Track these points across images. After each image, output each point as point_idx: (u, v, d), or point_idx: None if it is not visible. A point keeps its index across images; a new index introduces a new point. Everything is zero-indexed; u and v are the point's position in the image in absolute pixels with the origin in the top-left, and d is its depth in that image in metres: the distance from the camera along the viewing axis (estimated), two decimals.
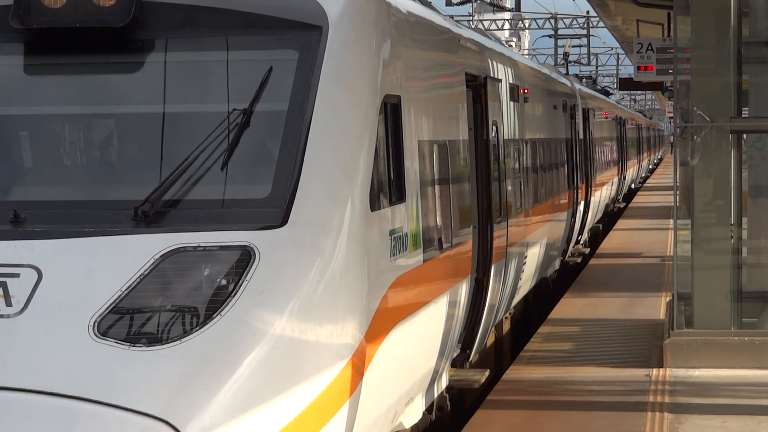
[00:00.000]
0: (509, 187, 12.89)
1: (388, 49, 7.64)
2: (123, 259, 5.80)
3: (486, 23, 43.73)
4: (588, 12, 49.28)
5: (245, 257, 5.81)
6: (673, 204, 13.42)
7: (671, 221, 14.12)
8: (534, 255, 15.04)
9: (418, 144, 8.30)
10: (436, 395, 9.55)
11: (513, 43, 51.46)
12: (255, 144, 6.53)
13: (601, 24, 43.11)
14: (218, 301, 5.63)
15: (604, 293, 17.15)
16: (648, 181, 56.01)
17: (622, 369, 11.55)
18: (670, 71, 15.44)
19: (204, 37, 6.70)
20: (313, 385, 5.75)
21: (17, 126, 6.85)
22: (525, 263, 14.00)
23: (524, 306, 15.10)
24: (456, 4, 33.90)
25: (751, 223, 12.75)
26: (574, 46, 59.84)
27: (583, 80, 34.91)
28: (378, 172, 7.06)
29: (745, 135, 12.41)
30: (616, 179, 33.61)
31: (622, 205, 38.33)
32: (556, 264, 18.50)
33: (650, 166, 60.16)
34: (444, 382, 9.85)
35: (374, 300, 6.71)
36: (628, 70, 44.60)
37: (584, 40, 58.77)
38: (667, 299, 13.72)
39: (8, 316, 5.45)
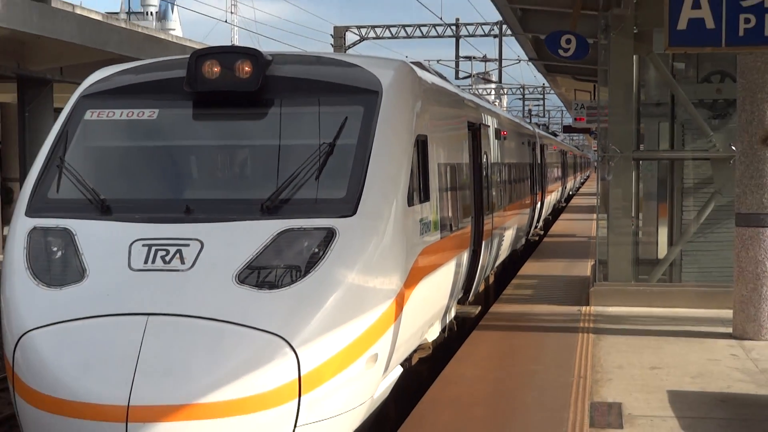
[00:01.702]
0: (494, 193, 15.47)
1: (419, 106, 9.75)
2: (254, 235, 7.74)
3: (480, 90, 52.70)
4: (544, 84, 64.36)
5: (330, 235, 7.73)
6: (596, 204, 17.31)
7: (595, 215, 18.25)
8: (509, 235, 18.05)
9: (438, 165, 10.37)
10: (447, 321, 11.83)
11: (497, 103, 62.70)
12: (336, 164, 8.34)
13: (552, 92, 59.50)
14: (312, 262, 7.55)
15: (553, 259, 20.61)
16: (580, 190, 68.06)
17: (564, 306, 14.07)
18: (595, 121, 18.98)
19: (305, 97, 8.82)
20: (372, 313, 7.75)
21: (188, 152, 9.11)
22: (503, 240, 16.94)
23: (502, 267, 18.43)
24: (461, 78, 46.23)
25: (644, 217, 16.06)
26: (535, 105, 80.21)
27: (540, 126, 43.11)
28: (412, 182, 9.01)
29: (641, 161, 15.39)
30: (560, 188, 40.57)
31: (564, 204, 45.62)
32: (523, 241, 22.49)
33: (582, 181, 75.05)
34: (452, 313, 12.21)
35: (409, 262, 8.66)
36: (568, 120, 56.02)
37: (541, 102, 79.40)
38: (592, 263, 16.93)
39: (182, 270, 7.45)
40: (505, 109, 61.92)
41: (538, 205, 25.94)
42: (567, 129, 52.18)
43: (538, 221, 26.86)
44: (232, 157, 9.09)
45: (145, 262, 7.59)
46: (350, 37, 44.26)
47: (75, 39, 20.74)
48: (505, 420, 8.04)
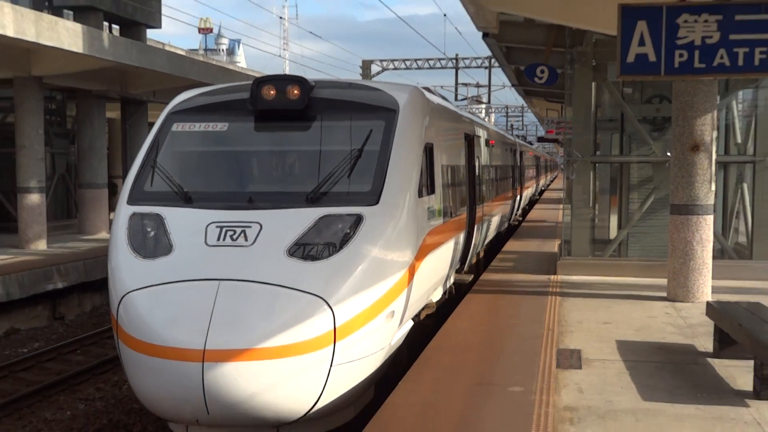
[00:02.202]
0: (484, 188, 15.29)
1: (427, 121, 9.74)
2: (300, 219, 7.81)
3: (473, 109, 53.60)
4: (523, 105, 63.47)
5: (358, 219, 7.80)
6: (562, 196, 16.91)
7: (561, 205, 17.86)
8: (495, 221, 17.84)
9: (441, 166, 10.34)
10: (447, 286, 11.81)
11: (486, 119, 63.16)
12: (363, 165, 8.38)
13: (529, 110, 57.19)
14: (345, 240, 7.61)
15: (529, 239, 20.45)
16: (550, 186, 67.97)
17: (537, 275, 13.93)
18: (562, 133, 19.84)
19: (340, 114, 8.82)
20: (390, 279, 7.79)
21: (250, 156, 9.12)
22: (491, 224, 16.84)
23: (490, 245, 18.29)
24: (459, 100, 46.92)
25: (599, 206, 15.59)
26: (515, 121, 79.77)
27: (519, 137, 44.70)
28: (422, 179, 9.04)
29: (597, 164, 15.17)
30: (535, 185, 40.96)
31: (538, 197, 45.26)
32: (506, 225, 22.19)
33: (551, 179, 75.20)
34: (451, 280, 12.19)
35: (419, 240, 8.70)
36: (541, 132, 57.08)
37: (520, 118, 78.99)
38: (559, 242, 16.77)
39: (246, 246, 7.53)
40: (492, 123, 62.27)
41: (518, 197, 25.84)
42: (540, 139, 51.94)
43: (517, 210, 26.70)
44: (284, 159, 9.10)
45: (218, 239, 7.65)
46: (374, 68, 44.19)
47: (165, 69, 20.78)
48: (492, 362, 8.04)
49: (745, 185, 14.30)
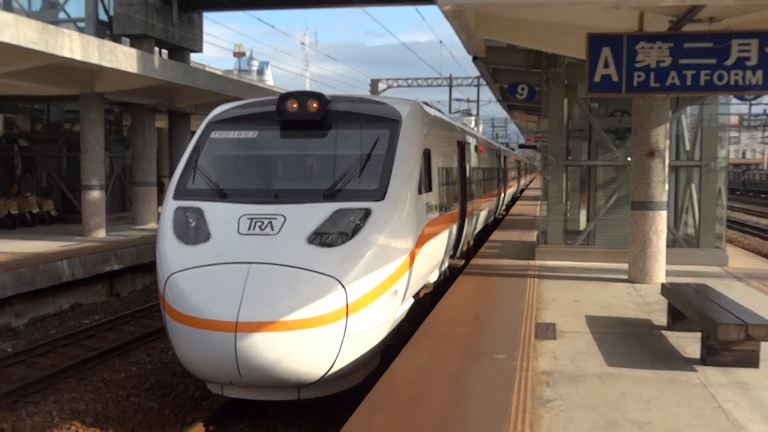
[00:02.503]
0: (474, 187, 15.09)
1: (426, 130, 9.64)
2: (318, 212, 7.76)
3: (465, 120, 53.27)
4: (506, 117, 63.04)
5: (367, 213, 7.76)
6: (540, 194, 16.82)
7: (539, 201, 17.55)
8: (483, 215, 17.70)
9: (438, 169, 10.22)
10: (442, 269, 11.66)
11: (475, 129, 63.33)
12: (372, 167, 8.31)
13: (512, 122, 56.44)
14: (356, 230, 7.57)
15: (512, 230, 20.21)
16: (529, 186, 66.47)
17: (518, 260, 13.75)
18: (539, 140, 19.49)
19: (352, 123, 8.75)
20: (394, 263, 7.73)
21: (276, 159, 9.04)
22: (479, 218, 16.67)
23: (479, 235, 18.08)
24: (453, 113, 46.65)
25: (571, 203, 15.48)
26: (500, 130, 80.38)
27: (503, 144, 44.60)
28: (421, 179, 8.93)
29: (569, 167, 15.01)
30: (516, 184, 40.44)
31: (519, 195, 44.51)
32: (492, 218, 21.93)
33: (530, 180, 73.80)
34: (446, 264, 12.01)
35: (419, 230, 8.61)
36: (521, 140, 56.31)
37: (504, 128, 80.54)
38: (537, 233, 16.52)
39: (272, 235, 7.50)
40: (481, 132, 62.45)
41: (502, 195, 25.63)
42: (521, 146, 51.95)
43: (502, 205, 26.51)
44: (305, 162, 9.04)
45: (249, 229, 7.64)
46: (381, 86, 44.10)
47: (205, 87, 20.72)
48: (481, 332, 8.00)
49: (693, 186, 14.23)
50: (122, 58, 16.59)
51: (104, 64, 15.96)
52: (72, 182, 23.69)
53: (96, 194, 19.35)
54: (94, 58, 15.58)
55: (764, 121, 71.51)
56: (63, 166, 24.46)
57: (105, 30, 25.35)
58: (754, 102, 49.90)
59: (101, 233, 19.37)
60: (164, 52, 27.60)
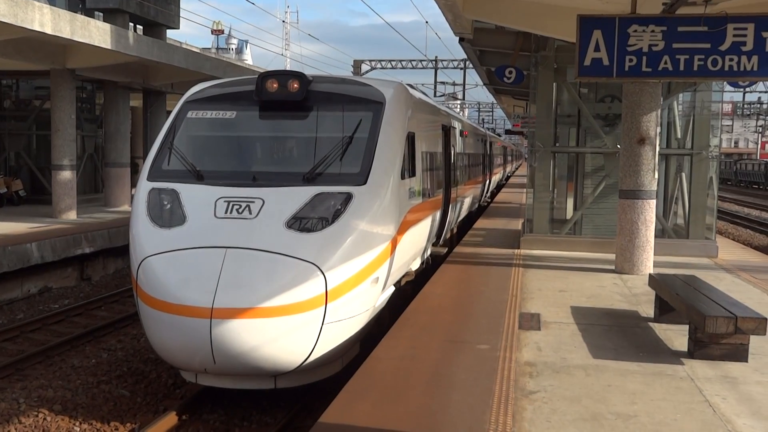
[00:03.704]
0: (458, 172, 15.03)
1: (410, 113, 9.57)
2: (298, 196, 7.70)
3: (450, 104, 53.26)
4: (493, 102, 62.71)
5: (348, 197, 7.70)
6: (526, 181, 16.83)
7: (525, 189, 17.17)
8: (468, 201, 17.71)
9: (421, 153, 10.15)
10: (425, 257, 11.65)
11: (461, 113, 62.85)
12: (354, 150, 8.25)
13: (498, 106, 56.72)
14: (336, 215, 7.52)
15: (497, 218, 20.33)
16: (515, 172, 66.66)
17: (503, 249, 13.83)
18: (527, 126, 19.42)
19: (334, 105, 8.66)
20: (375, 250, 7.72)
21: (255, 140, 8.98)
22: (464, 204, 16.71)
23: (462, 222, 18.23)
24: (438, 96, 45.16)
25: (557, 191, 15.39)
26: (486, 115, 78.94)
27: (490, 130, 44.76)
28: (404, 163, 8.88)
29: (556, 153, 15.01)
30: (502, 171, 40.60)
31: (504, 182, 44.98)
32: (477, 205, 22.00)
33: (516, 167, 73.59)
34: (428, 252, 12.05)
35: (401, 216, 8.59)
36: (508, 125, 55.58)
37: (491, 113, 79.06)
38: (522, 221, 16.67)
39: (250, 219, 7.45)
40: (466, 117, 62.34)
41: (488, 181, 25.65)
42: (508, 132, 51.32)
43: (487, 192, 26.55)
44: (284, 144, 8.98)
45: (225, 212, 7.58)
46: (364, 67, 43.92)
47: (182, 64, 20.55)
48: (463, 322, 8.02)
49: (683, 175, 14.31)
50: (95, 33, 16.42)
51: (76, 38, 15.79)
52: (42, 162, 23.51)
53: (67, 174, 19.19)
54: (65, 32, 15.40)
55: (758, 110, 71.91)
56: (32, 145, 24.26)
57: (77, 4, 25.09)
58: (748, 89, 50.46)
59: (72, 215, 19.23)
60: (139, 27, 27.35)
